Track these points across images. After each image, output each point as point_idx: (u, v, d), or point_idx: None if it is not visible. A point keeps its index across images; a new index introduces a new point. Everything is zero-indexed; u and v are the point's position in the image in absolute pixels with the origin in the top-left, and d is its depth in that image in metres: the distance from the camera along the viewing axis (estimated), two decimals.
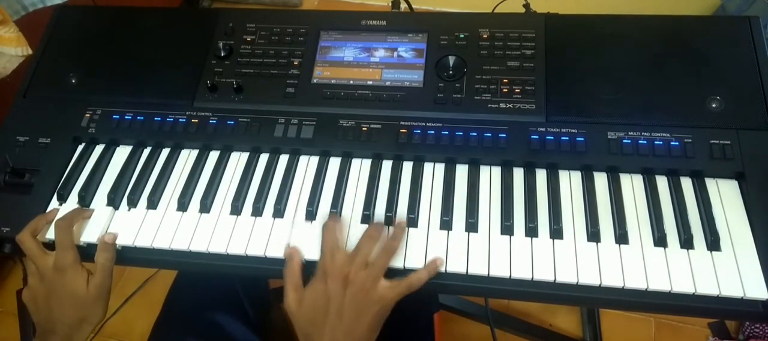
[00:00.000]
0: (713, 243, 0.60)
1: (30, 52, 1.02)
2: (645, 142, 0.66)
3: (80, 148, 0.75)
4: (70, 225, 0.64)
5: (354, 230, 0.65)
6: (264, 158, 0.72)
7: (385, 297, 0.57)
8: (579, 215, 0.63)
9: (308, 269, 0.62)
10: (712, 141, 0.65)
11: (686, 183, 0.65)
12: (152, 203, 0.69)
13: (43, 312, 0.62)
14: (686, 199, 0.64)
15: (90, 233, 0.67)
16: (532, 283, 0.60)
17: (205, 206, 0.68)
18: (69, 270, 0.61)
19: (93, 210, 0.69)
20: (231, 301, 0.81)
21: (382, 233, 0.63)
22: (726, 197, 0.63)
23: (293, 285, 0.59)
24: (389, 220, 0.65)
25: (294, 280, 0.60)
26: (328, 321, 0.56)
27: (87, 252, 0.65)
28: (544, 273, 0.59)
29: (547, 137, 0.67)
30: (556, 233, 0.62)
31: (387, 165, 0.70)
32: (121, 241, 0.66)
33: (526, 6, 0.89)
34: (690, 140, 0.65)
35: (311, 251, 0.63)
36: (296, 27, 0.79)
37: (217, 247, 0.65)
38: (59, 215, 0.67)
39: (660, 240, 0.60)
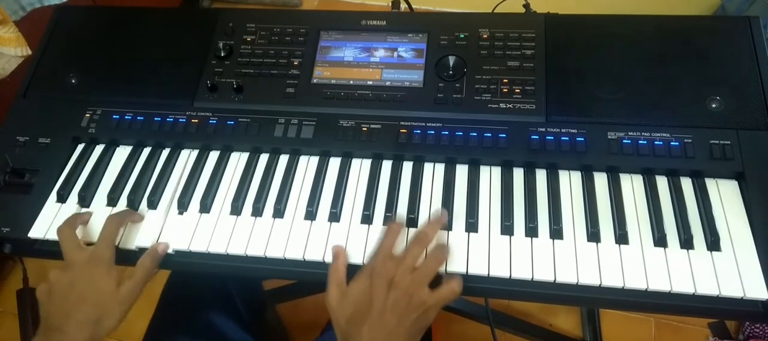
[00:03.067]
0: (713, 243, 0.60)
1: (29, 52, 1.02)
2: (645, 142, 0.66)
3: (80, 148, 0.75)
4: (121, 223, 0.64)
5: (354, 232, 0.65)
6: (264, 158, 0.72)
7: (426, 303, 0.56)
8: (579, 216, 0.63)
9: (312, 268, 0.62)
10: (712, 141, 0.65)
11: (686, 183, 0.65)
12: (152, 204, 0.69)
13: (56, 307, 0.58)
14: (686, 199, 0.64)
15: (90, 233, 0.67)
16: (532, 283, 0.60)
17: (205, 206, 0.68)
18: (103, 266, 0.60)
19: (143, 216, 0.68)
20: (225, 301, 0.81)
21: (433, 236, 0.62)
22: (726, 197, 0.63)
23: (337, 282, 0.59)
24: (390, 220, 0.65)
25: (338, 278, 0.60)
26: (369, 321, 0.55)
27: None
28: (544, 273, 0.59)
29: (547, 137, 0.67)
30: (556, 233, 0.62)
31: (387, 165, 0.70)
32: (121, 241, 0.66)
33: (526, 6, 0.89)
34: (690, 140, 0.65)
35: (312, 252, 0.63)
36: (296, 27, 0.79)
37: (217, 247, 0.65)
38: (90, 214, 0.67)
39: (660, 240, 0.60)
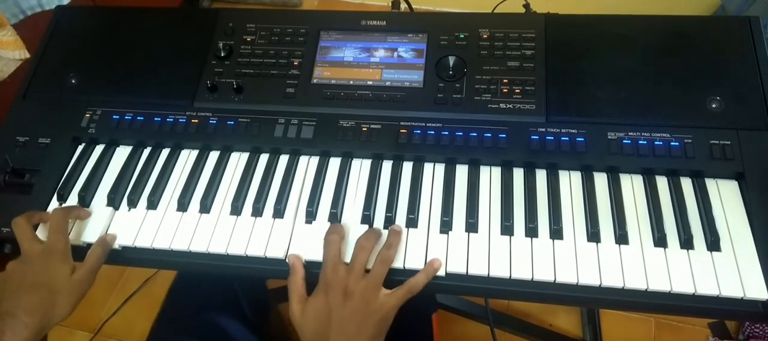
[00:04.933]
0: (713, 243, 0.60)
1: (27, 55, 1.02)
2: (645, 142, 0.66)
3: (80, 148, 0.75)
4: (67, 215, 0.65)
5: (354, 231, 0.64)
6: (264, 158, 0.72)
7: (385, 305, 0.57)
8: (579, 216, 0.63)
9: (309, 269, 0.62)
10: (712, 141, 0.65)
11: (686, 183, 0.65)
12: (152, 204, 0.69)
13: (10, 293, 0.59)
14: (686, 199, 0.64)
15: (90, 233, 0.67)
16: (532, 283, 0.60)
17: (205, 207, 0.68)
18: (57, 256, 0.61)
19: (91, 212, 0.69)
20: (229, 302, 0.81)
21: (378, 240, 0.63)
22: (726, 197, 0.63)
23: (297, 297, 0.60)
24: (390, 220, 0.65)
25: (298, 292, 0.60)
26: (331, 334, 0.56)
27: (83, 253, 0.65)
28: (544, 274, 0.59)
29: (547, 137, 0.67)
30: (556, 233, 0.62)
31: (387, 165, 0.70)
32: (121, 241, 0.66)
33: (526, 6, 0.89)
34: (690, 140, 0.65)
35: (312, 252, 0.63)
36: (296, 27, 0.79)
37: (217, 247, 0.65)
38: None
39: (660, 240, 0.60)
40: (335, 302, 0.57)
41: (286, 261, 0.63)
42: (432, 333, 0.81)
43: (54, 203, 0.70)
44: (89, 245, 0.66)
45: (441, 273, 0.61)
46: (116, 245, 0.66)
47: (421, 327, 0.81)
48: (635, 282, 0.58)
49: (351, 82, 0.75)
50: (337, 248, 0.61)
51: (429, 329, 0.81)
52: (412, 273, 0.60)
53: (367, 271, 0.60)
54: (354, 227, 0.65)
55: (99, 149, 0.75)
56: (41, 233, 0.66)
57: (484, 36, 0.75)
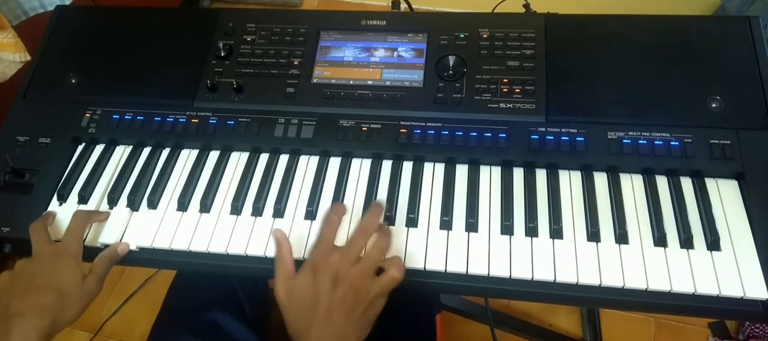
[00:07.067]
0: (713, 243, 0.60)
1: (28, 58, 1.02)
2: (645, 142, 0.66)
3: (80, 148, 0.75)
4: (87, 220, 0.65)
5: (354, 230, 0.64)
6: (264, 158, 0.72)
7: (370, 294, 0.56)
8: (579, 215, 0.63)
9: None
10: (712, 141, 0.65)
11: (686, 183, 0.65)
12: (152, 203, 0.69)
13: (18, 293, 0.58)
14: (686, 199, 0.64)
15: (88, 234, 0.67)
16: (532, 283, 0.60)
17: (205, 206, 0.68)
18: (70, 259, 0.61)
19: (110, 213, 0.69)
20: (230, 301, 0.81)
21: (376, 226, 0.61)
22: (726, 197, 0.63)
23: (284, 274, 0.57)
24: (390, 220, 0.65)
25: (285, 269, 0.58)
26: (316, 319, 0.54)
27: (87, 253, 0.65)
28: (544, 273, 0.59)
29: (547, 137, 0.67)
30: (556, 233, 0.62)
31: (387, 165, 0.70)
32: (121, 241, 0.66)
33: (526, 6, 0.89)
34: (690, 140, 0.65)
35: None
36: (296, 27, 0.79)
37: (217, 247, 0.65)
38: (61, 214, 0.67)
39: (660, 240, 0.60)
40: (323, 287, 0.55)
41: (271, 236, 0.61)
42: (436, 334, 0.81)
43: (54, 203, 0.70)
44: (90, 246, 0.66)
45: (441, 269, 0.60)
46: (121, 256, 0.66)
47: (426, 327, 0.80)
48: (635, 281, 0.58)
49: (351, 82, 0.75)
50: (335, 231, 0.59)
51: (433, 330, 0.81)
52: (413, 273, 0.60)
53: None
54: (354, 227, 0.65)
55: (99, 148, 0.75)
56: (52, 233, 0.66)
57: (484, 36, 0.75)
